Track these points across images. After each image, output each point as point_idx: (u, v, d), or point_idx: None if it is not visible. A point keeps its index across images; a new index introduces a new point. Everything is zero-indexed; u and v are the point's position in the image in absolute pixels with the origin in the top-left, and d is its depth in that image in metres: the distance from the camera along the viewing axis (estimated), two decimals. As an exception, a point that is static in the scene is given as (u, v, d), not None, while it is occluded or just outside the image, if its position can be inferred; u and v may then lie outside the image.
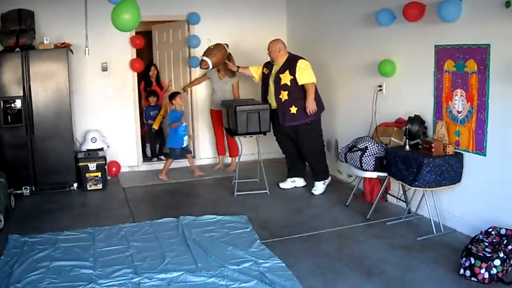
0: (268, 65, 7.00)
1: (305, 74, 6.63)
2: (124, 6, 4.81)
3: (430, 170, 5.09)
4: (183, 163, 8.67)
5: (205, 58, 7.29)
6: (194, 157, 8.66)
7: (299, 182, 7.28)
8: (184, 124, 7.83)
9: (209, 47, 7.43)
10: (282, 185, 7.27)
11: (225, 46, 7.49)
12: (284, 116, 6.74)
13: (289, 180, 7.28)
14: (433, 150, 5.16)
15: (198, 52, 8.17)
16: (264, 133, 6.90)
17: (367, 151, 5.89)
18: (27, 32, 7.26)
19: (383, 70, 6.23)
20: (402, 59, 6.11)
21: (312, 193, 6.92)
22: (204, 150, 8.94)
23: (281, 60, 6.80)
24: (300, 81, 6.63)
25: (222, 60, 7.48)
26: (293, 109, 6.67)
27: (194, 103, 8.76)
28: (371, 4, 6.47)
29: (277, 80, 6.74)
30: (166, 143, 8.12)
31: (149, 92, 8.79)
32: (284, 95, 6.69)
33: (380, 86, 6.44)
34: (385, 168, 5.76)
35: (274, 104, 6.82)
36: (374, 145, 5.92)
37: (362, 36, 6.82)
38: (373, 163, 5.84)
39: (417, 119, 5.60)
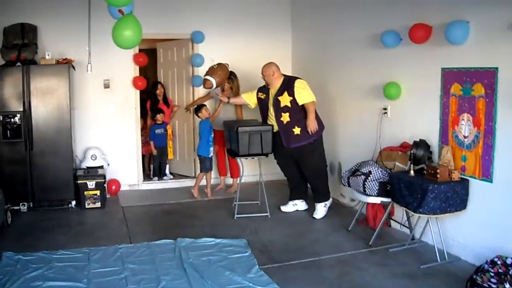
0: (264, 89, 6.94)
1: (304, 93, 6.57)
2: (125, 22, 4.74)
3: (435, 196, 4.98)
4: (183, 182, 8.61)
5: (209, 77, 7.25)
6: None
7: (301, 205, 7.16)
8: (212, 135, 7.82)
9: (212, 67, 7.39)
10: (283, 208, 7.16)
11: (226, 65, 7.45)
12: (288, 138, 6.67)
13: (290, 203, 7.17)
14: (438, 175, 5.07)
15: (201, 71, 8.15)
16: (266, 155, 6.82)
17: (371, 175, 5.78)
18: (29, 47, 7.26)
19: (388, 93, 6.16)
20: (407, 82, 6.03)
21: (314, 217, 6.80)
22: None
23: (276, 83, 6.73)
24: (300, 101, 6.56)
25: (225, 79, 7.49)
26: (297, 130, 6.60)
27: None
28: (377, 26, 6.43)
29: (277, 103, 6.67)
30: (197, 151, 7.99)
31: (156, 110, 8.70)
32: (285, 117, 6.62)
33: (385, 109, 6.37)
34: (388, 193, 5.65)
35: (275, 127, 6.74)
36: (378, 169, 5.81)
37: (367, 57, 6.77)
38: (376, 188, 5.72)
39: (422, 144, 5.53)
